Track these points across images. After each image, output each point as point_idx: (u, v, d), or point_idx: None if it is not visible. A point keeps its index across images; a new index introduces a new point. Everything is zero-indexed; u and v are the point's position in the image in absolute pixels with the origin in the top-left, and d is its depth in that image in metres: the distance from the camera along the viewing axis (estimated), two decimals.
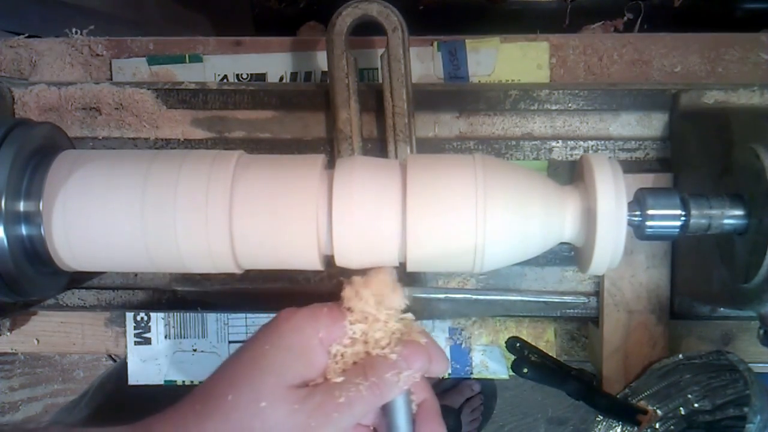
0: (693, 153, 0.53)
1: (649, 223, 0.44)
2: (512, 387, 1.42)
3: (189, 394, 0.37)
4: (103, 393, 0.78)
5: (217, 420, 0.35)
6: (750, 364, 0.52)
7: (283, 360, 0.36)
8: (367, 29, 0.56)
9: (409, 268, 0.43)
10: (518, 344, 0.56)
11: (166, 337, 0.64)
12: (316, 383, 0.37)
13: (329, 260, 0.44)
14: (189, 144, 0.59)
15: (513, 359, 0.56)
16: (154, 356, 0.64)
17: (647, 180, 0.56)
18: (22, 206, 0.44)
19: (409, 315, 0.41)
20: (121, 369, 0.66)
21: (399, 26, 0.53)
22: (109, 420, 0.38)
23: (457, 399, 1.34)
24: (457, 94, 0.58)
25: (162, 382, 0.65)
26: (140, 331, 0.64)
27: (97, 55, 0.64)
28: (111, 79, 0.64)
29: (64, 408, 0.76)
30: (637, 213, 0.44)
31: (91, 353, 0.65)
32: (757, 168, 0.41)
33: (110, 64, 0.64)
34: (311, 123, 0.59)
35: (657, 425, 0.58)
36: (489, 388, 1.38)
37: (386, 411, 0.39)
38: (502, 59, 0.62)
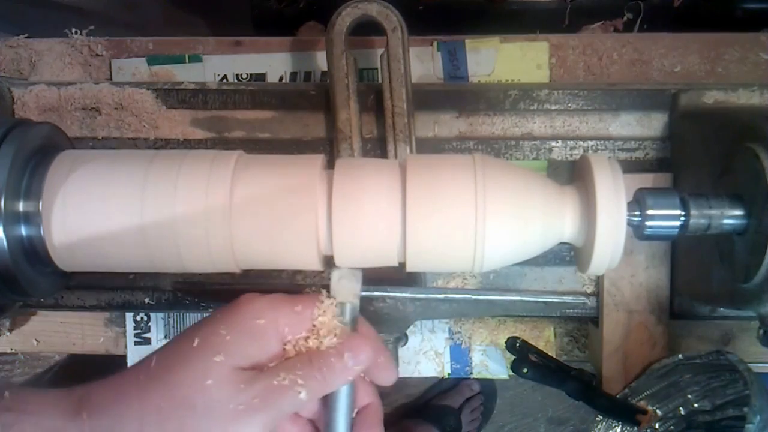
0: (693, 153, 0.53)
1: (648, 223, 0.44)
2: (512, 387, 1.42)
3: (134, 365, 0.38)
4: (67, 372, 0.77)
5: (160, 392, 0.35)
6: (750, 364, 0.52)
7: (236, 341, 0.36)
8: (366, 29, 0.56)
9: (409, 268, 0.43)
10: (518, 344, 0.56)
11: (166, 337, 0.64)
12: (264, 368, 0.37)
13: (329, 260, 0.44)
14: (189, 144, 0.59)
15: (513, 359, 0.56)
16: None
17: (647, 180, 0.56)
18: (21, 206, 0.44)
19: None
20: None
21: (399, 26, 0.53)
22: None
23: (457, 399, 1.34)
24: (456, 94, 0.58)
25: None
26: (140, 331, 0.64)
27: (97, 55, 0.64)
28: (111, 79, 0.64)
29: (23, 382, 0.76)
30: (637, 213, 0.44)
31: (90, 353, 0.65)
32: (756, 168, 0.41)
33: (110, 64, 0.64)
34: (311, 123, 0.59)
35: (657, 425, 0.58)
36: (489, 388, 1.38)
37: (327, 405, 0.39)
38: (502, 59, 0.62)
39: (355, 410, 0.41)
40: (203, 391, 0.35)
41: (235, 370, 0.36)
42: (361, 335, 0.40)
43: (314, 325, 0.39)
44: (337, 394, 0.39)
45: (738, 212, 0.43)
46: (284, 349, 0.38)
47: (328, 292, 0.41)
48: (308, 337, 0.39)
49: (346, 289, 0.41)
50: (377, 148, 0.58)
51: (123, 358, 0.65)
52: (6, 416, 0.34)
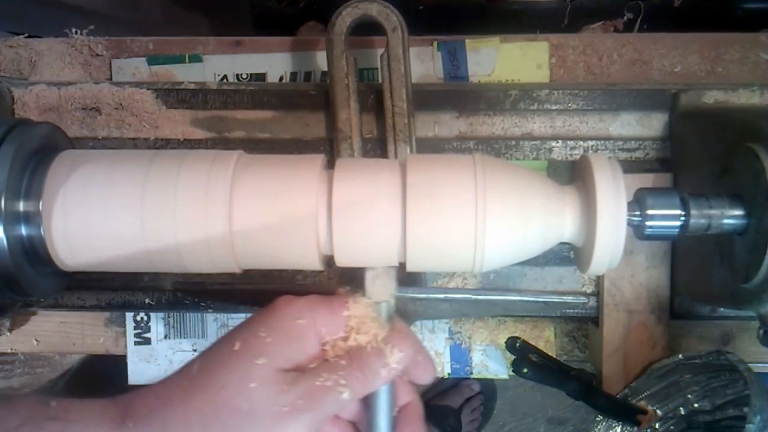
0: (693, 153, 0.53)
1: (648, 223, 0.44)
2: (512, 387, 1.42)
3: (176, 371, 0.38)
4: (81, 379, 0.77)
5: (204, 396, 0.35)
6: (750, 364, 0.52)
7: (276, 343, 0.37)
8: (366, 29, 0.56)
9: (409, 268, 0.43)
10: (518, 344, 0.56)
11: (166, 337, 0.64)
12: (306, 369, 0.37)
13: (329, 260, 0.44)
14: (189, 144, 0.59)
15: (513, 359, 0.56)
16: (154, 356, 0.64)
17: (647, 180, 0.56)
18: (21, 206, 0.44)
19: (405, 317, 0.42)
20: (99, 357, 0.66)
21: (399, 26, 0.53)
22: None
23: (457, 399, 1.34)
24: (456, 94, 0.58)
25: None
26: (140, 331, 0.64)
27: (97, 55, 0.64)
28: (111, 79, 0.64)
29: (39, 388, 0.76)
30: (637, 213, 0.44)
31: (91, 353, 0.65)
32: (756, 168, 0.41)
33: (110, 64, 0.64)
34: (311, 123, 0.59)
35: (657, 425, 0.58)
36: (489, 388, 1.38)
37: (368, 406, 0.39)
38: (502, 59, 0.62)
39: (396, 409, 0.41)
40: (247, 394, 0.35)
41: (278, 372, 0.36)
42: (399, 334, 0.39)
43: (351, 325, 0.39)
44: (378, 394, 0.39)
45: (738, 212, 0.43)
46: (323, 349, 0.38)
47: (363, 291, 0.41)
48: (346, 338, 0.39)
49: (382, 288, 0.41)
50: (377, 148, 0.58)
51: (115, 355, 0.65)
52: (52, 425, 0.34)
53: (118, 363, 0.65)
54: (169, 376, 0.37)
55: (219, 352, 0.37)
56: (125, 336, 0.64)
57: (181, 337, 0.64)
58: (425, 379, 0.41)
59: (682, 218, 0.43)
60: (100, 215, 0.43)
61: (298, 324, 0.38)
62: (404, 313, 0.53)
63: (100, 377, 0.71)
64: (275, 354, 0.36)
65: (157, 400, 0.36)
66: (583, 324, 0.62)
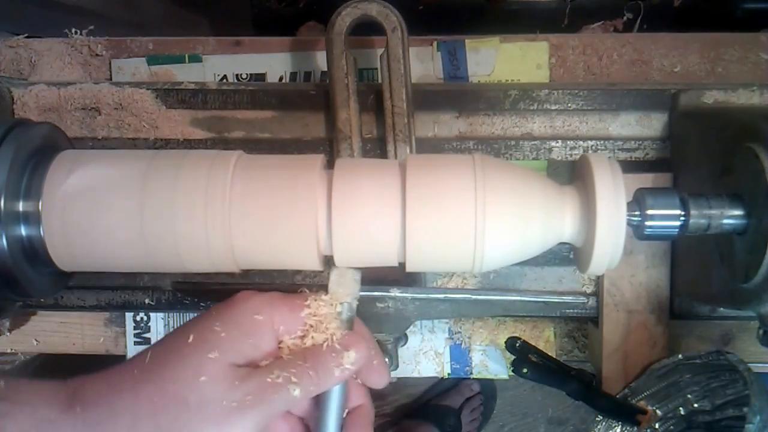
0: (693, 153, 0.53)
1: (648, 223, 0.44)
2: (512, 387, 1.42)
3: (128, 359, 0.38)
4: (54, 360, 0.77)
5: (153, 387, 0.35)
6: (750, 364, 0.52)
7: (231, 338, 0.37)
8: (366, 29, 0.56)
9: (409, 268, 0.43)
10: (518, 344, 0.56)
11: None
12: (259, 366, 0.37)
13: (329, 260, 0.44)
14: (188, 144, 0.59)
15: (513, 359, 0.56)
16: None
17: (647, 180, 0.56)
18: (21, 206, 0.44)
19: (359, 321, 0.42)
20: None
21: (398, 26, 0.53)
22: None
23: (457, 399, 1.34)
24: (456, 94, 0.58)
25: None
26: (140, 331, 0.64)
27: (97, 55, 0.64)
28: (110, 79, 0.64)
29: (12, 369, 0.76)
30: (637, 213, 0.44)
31: (90, 353, 0.65)
32: (756, 168, 0.41)
33: (110, 64, 0.64)
34: (311, 123, 0.59)
35: (657, 425, 0.58)
36: (489, 388, 1.38)
37: (319, 404, 0.39)
38: (502, 59, 0.62)
39: (346, 411, 0.41)
40: (197, 387, 0.35)
41: (230, 366, 0.36)
42: (356, 335, 0.40)
43: (310, 324, 0.39)
44: (330, 393, 0.39)
45: (738, 212, 0.43)
46: (279, 347, 0.38)
47: (326, 291, 0.41)
48: (303, 336, 0.39)
49: (344, 288, 0.41)
50: (377, 148, 0.57)
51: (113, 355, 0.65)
52: (1, 405, 0.34)
53: None
54: (121, 363, 0.37)
55: (172, 344, 0.37)
56: (125, 336, 0.64)
57: None
58: (379, 383, 0.41)
59: (682, 218, 0.43)
60: (99, 215, 0.43)
61: (255, 319, 0.38)
62: (404, 314, 0.53)
63: (70, 363, 0.71)
64: (228, 348, 0.36)
65: (107, 386, 0.36)
66: (583, 324, 0.62)
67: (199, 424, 0.35)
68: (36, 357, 0.79)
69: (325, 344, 0.38)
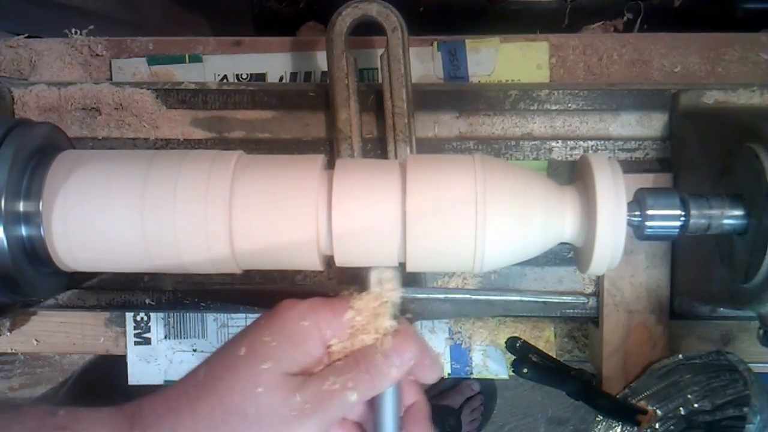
0: (693, 153, 0.53)
1: (648, 223, 0.44)
2: (512, 387, 1.42)
3: (182, 378, 0.38)
4: (84, 383, 0.77)
5: (211, 403, 0.35)
6: (750, 364, 0.52)
7: (282, 348, 0.37)
8: (366, 29, 0.56)
9: (409, 268, 0.43)
10: (518, 344, 0.56)
11: (166, 337, 0.64)
12: (312, 372, 0.37)
13: (329, 260, 0.44)
14: (189, 144, 0.59)
15: (513, 359, 0.56)
16: (154, 356, 0.64)
17: (647, 180, 0.56)
18: (21, 206, 0.44)
19: (406, 317, 0.41)
20: (102, 360, 0.66)
21: (399, 26, 0.53)
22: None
23: (457, 399, 1.34)
24: (456, 94, 0.58)
25: (162, 382, 0.65)
26: (140, 331, 0.64)
27: (97, 55, 0.64)
28: (111, 79, 0.64)
29: (41, 396, 0.76)
30: (637, 213, 0.44)
31: (91, 353, 0.65)
32: (756, 168, 0.41)
33: (110, 64, 0.64)
34: (311, 123, 0.59)
35: (657, 425, 0.58)
36: (489, 388, 1.38)
37: (374, 406, 0.39)
38: (502, 59, 0.62)
39: (403, 409, 0.41)
40: (254, 399, 0.35)
41: (284, 376, 0.36)
42: (405, 333, 0.39)
43: (356, 326, 0.39)
44: (384, 394, 0.39)
45: (738, 212, 0.43)
46: (328, 352, 0.38)
47: (367, 292, 0.41)
48: (351, 339, 0.38)
49: (387, 287, 0.41)
50: (377, 148, 0.58)
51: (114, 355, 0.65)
52: None
53: (118, 367, 0.65)
54: (175, 382, 0.37)
55: (224, 358, 0.37)
56: (125, 336, 0.64)
57: (181, 338, 0.64)
58: (431, 378, 0.41)
59: (682, 218, 0.43)
60: (100, 215, 0.43)
61: (301, 326, 0.37)
62: (404, 313, 0.53)
63: (102, 382, 0.71)
64: (280, 358, 0.36)
65: (165, 406, 0.36)
66: (583, 324, 0.62)
67: None
68: (63, 382, 0.79)
69: (375, 346, 0.38)
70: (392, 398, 0.39)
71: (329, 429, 0.37)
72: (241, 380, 0.35)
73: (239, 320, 0.64)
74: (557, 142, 0.58)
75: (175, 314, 0.64)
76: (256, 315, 0.63)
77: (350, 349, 0.38)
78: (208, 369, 0.37)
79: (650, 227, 0.44)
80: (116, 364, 0.65)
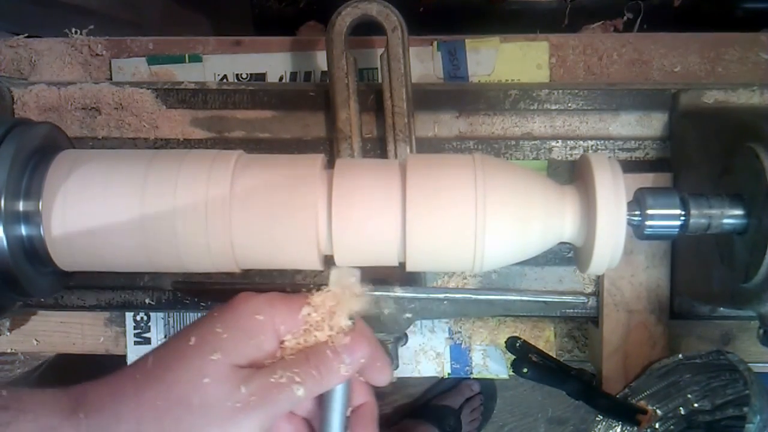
0: (693, 153, 0.53)
1: (648, 223, 0.44)
2: (512, 387, 1.42)
3: (130, 364, 0.38)
4: (54, 371, 0.77)
5: (156, 390, 0.35)
6: (750, 364, 0.52)
7: (233, 340, 0.37)
8: (366, 29, 0.56)
9: (409, 267, 0.43)
10: (518, 344, 0.56)
11: (166, 337, 0.64)
12: (262, 366, 0.37)
13: (329, 260, 0.44)
14: (188, 144, 0.59)
15: (513, 359, 0.56)
16: None
17: (647, 180, 0.56)
18: (21, 206, 0.44)
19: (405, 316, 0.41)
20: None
21: (399, 26, 0.53)
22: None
23: (457, 399, 1.34)
24: (456, 94, 0.58)
25: None
26: (140, 331, 0.64)
27: (97, 54, 0.64)
28: (111, 79, 0.64)
29: (11, 380, 0.76)
30: (637, 213, 0.44)
31: (90, 353, 0.65)
32: (756, 168, 0.41)
33: (110, 63, 0.64)
34: (311, 123, 0.59)
35: (657, 425, 0.58)
36: (489, 388, 1.38)
37: (322, 403, 0.39)
38: (502, 59, 0.62)
39: (350, 409, 0.41)
40: (200, 389, 0.35)
41: (232, 368, 0.36)
42: (358, 333, 0.40)
43: (311, 323, 0.39)
44: (333, 392, 0.39)
45: (738, 212, 0.43)
46: (281, 347, 0.38)
47: (325, 290, 0.41)
48: (305, 335, 0.39)
49: (345, 287, 0.41)
50: (377, 148, 0.57)
51: (109, 357, 0.64)
52: (3, 414, 0.34)
53: (90, 357, 0.65)
54: (122, 368, 0.37)
55: (174, 347, 0.37)
56: (125, 336, 0.64)
57: None
58: (381, 381, 0.41)
59: (682, 218, 0.43)
60: (99, 215, 0.43)
61: (256, 320, 0.37)
62: (404, 313, 0.53)
63: (73, 372, 0.71)
64: (230, 350, 0.36)
65: (110, 392, 0.36)
66: (583, 324, 0.62)
67: (203, 425, 0.35)
68: (36, 367, 0.79)
69: (327, 343, 0.38)
70: (341, 396, 0.39)
71: (275, 422, 0.37)
72: (188, 370, 0.35)
73: None
74: (557, 142, 0.58)
75: (175, 314, 0.64)
76: None
77: (303, 345, 0.38)
78: (157, 357, 0.37)
79: (650, 227, 0.44)
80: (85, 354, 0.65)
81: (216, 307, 0.39)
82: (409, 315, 0.52)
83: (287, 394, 0.36)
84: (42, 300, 0.60)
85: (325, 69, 0.59)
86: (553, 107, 0.58)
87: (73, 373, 0.69)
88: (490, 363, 0.63)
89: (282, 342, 0.38)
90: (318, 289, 0.41)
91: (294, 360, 0.37)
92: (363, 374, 0.41)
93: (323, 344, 0.38)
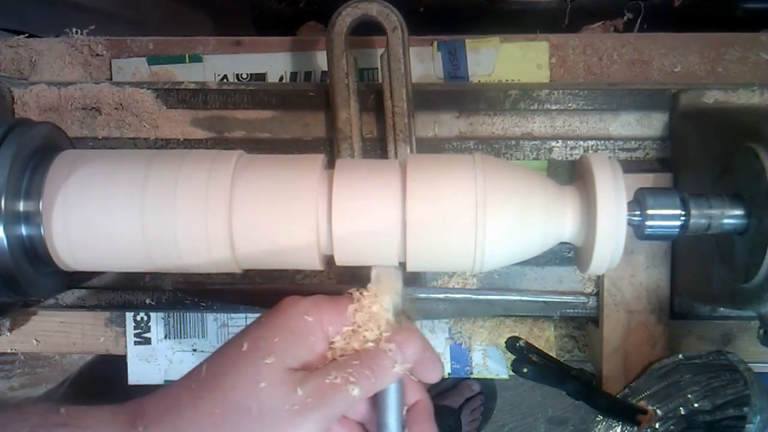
0: (693, 153, 0.53)
1: (648, 223, 0.44)
2: (512, 387, 1.42)
3: (184, 375, 0.38)
4: (82, 383, 0.77)
5: (213, 399, 0.35)
6: (750, 364, 0.52)
7: (284, 343, 0.37)
8: (367, 29, 0.56)
9: (409, 267, 0.43)
10: (518, 344, 0.56)
11: (166, 337, 0.64)
12: (314, 368, 0.37)
13: (329, 260, 0.44)
14: (189, 144, 0.59)
15: (513, 359, 0.56)
16: (154, 356, 0.64)
17: (647, 180, 0.56)
18: (21, 206, 0.44)
19: (408, 317, 0.41)
20: (99, 360, 0.66)
21: (399, 26, 0.53)
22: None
23: (457, 399, 1.34)
24: (457, 94, 0.58)
25: (162, 382, 0.65)
26: (140, 331, 0.64)
27: (97, 54, 0.64)
28: (111, 79, 0.64)
29: (41, 396, 0.77)
30: (637, 213, 0.44)
31: (91, 353, 0.65)
32: (757, 168, 0.41)
33: (110, 63, 0.64)
34: (311, 123, 0.59)
35: (657, 425, 0.58)
36: (489, 388, 1.38)
37: (377, 405, 0.39)
38: (502, 59, 0.62)
39: (405, 408, 0.41)
40: (256, 394, 0.35)
41: (287, 371, 0.36)
42: (407, 330, 0.39)
43: (359, 323, 0.39)
44: (387, 392, 0.39)
45: (738, 212, 0.43)
46: (331, 348, 0.38)
47: (369, 290, 0.41)
48: (354, 336, 0.39)
49: (388, 285, 0.41)
50: (377, 148, 0.58)
51: (127, 368, 0.65)
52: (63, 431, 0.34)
53: (118, 366, 0.65)
54: (178, 380, 0.37)
55: (227, 354, 0.37)
56: (125, 336, 0.64)
57: (181, 337, 0.64)
58: (433, 377, 0.41)
59: (682, 218, 0.43)
60: (100, 215, 0.43)
61: (305, 322, 0.38)
62: (404, 313, 0.53)
63: (101, 381, 0.71)
64: (283, 353, 0.36)
65: (166, 403, 0.36)
66: (583, 324, 0.62)
67: (262, 429, 0.35)
68: (60, 384, 0.79)
69: (378, 342, 0.38)
70: (395, 396, 0.39)
71: (331, 425, 0.37)
72: (243, 376, 0.35)
73: (239, 320, 0.64)
74: (557, 142, 0.58)
75: (175, 314, 0.64)
76: (257, 314, 0.64)
77: (353, 345, 0.38)
78: (210, 366, 0.37)
79: (650, 227, 0.44)
80: (116, 364, 0.65)
81: (264, 313, 0.39)
82: (409, 315, 0.52)
83: (343, 395, 0.36)
84: (42, 300, 0.60)
85: (325, 69, 0.59)
86: (553, 107, 0.58)
87: (102, 382, 0.69)
88: (490, 363, 0.63)
89: (332, 343, 0.38)
90: (361, 290, 0.41)
91: (346, 360, 0.37)
92: (414, 372, 0.41)
93: (374, 343, 0.38)
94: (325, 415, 0.35)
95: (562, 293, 0.59)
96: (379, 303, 0.40)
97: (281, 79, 0.64)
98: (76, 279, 0.58)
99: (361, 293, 0.40)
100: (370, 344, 0.38)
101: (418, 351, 0.39)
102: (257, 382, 0.35)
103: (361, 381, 0.36)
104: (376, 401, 0.39)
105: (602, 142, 0.58)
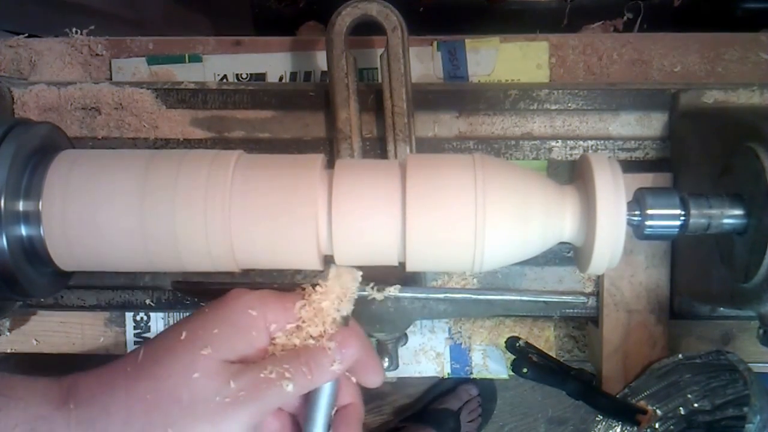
0: (693, 153, 0.53)
1: (648, 223, 0.44)
2: (512, 387, 1.42)
3: (121, 357, 0.38)
4: (46, 360, 0.77)
5: (146, 384, 0.35)
6: (750, 364, 0.52)
7: (223, 335, 0.37)
8: (366, 29, 0.56)
9: (409, 267, 0.43)
10: (518, 344, 0.56)
11: None
12: (252, 362, 0.37)
13: (329, 260, 0.44)
14: (188, 144, 0.59)
15: (513, 359, 0.56)
16: None
17: (647, 180, 0.56)
18: (21, 206, 0.44)
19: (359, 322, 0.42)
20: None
21: (398, 26, 0.53)
22: None
23: (455, 403, 1.34)
24: (456, 94, 0.58)
25: None
26: (140, 331, 0.64)
27: (97, 54, 0.64)
28: (110, 79, 0.64)
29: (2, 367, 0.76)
30: (637, 213, 0.44)
31: (90, 353, 0.65)
32: (756, 168, 0.41)
33: (110, 63, 0.64)
34: (311, 123, 0.59)
35: (657, 425, 0.58)
36: (488, 389, 1.38)
37: (309, 400, 0.39)
38: (502, 59, 0.62)
39: (335, 408, 0.41)
40: (190, 384, 0.35)
41: (222, 363, 0.36)
42: (349, 331, 0.39)
43: (304, 319, 0.39)
44: (320, 390, 0.39)
45: (738, 212, 0.43)
46: (272, 343, 0.38)
47: (321, 287, 0.40)
48: (297, 332, 0.39)
49: (340, 286, 0.41)
50: (377, 147, 0.57)
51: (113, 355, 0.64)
52: None
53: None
54: (113, 361, 0.37)
55: (165, 341, 0.37)
56: (125, 336, 0.64)
57: None
58: (372, 381, 0.41)
59: (682, 218, 0.43)
60: (99, 215, 0.43)
61: (247, 316, 0.37)
62: (404, 313, 0.53)
63: (65, 359, 0.71)
64: (221, 345, 0.36)
65: (100, 384, 0.36)
66: (583, 324, 0.62)
67: (192, 420, 0.35)
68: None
69: (318, 340, 0.38)
70: (328, 395, 0.39)
71: (263, 418, 0.37)
72: (177, 364, 0.35)
73: None
74: (557, 142, 0.58)
75: (175, 314, 0.64)
76: None
77: (294, 341, 0.38)
78: (148, 351, 0.37)
79: (650, 227, 0.44)
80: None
81: (208, 303, 0.39)
82: (409, 315, 0.52)
83: (276, 390, 0.36)
84: (42, 300, 0.60)
85: (325, 69, 0.59)
86: (553, 107, 0.58)
87: (63, 363, 0.68)
88: (490, 363, 0.63)
89: (273, 339, 0.38)
90: (314, 286, 0.40)
91: (284, 356, 0.37)
92: (354, 374, 0.41)
93: (315, 340, 0.38)
94: (257, 408, 0.35)
95: (562, 293, 0.59)
96: (329, 300, 0.39)
97: (281, 79, 0.64)
98: (76, 279, 0.57)
99: (313, 288, 0.40)
100: (311, 341, 0.38)
101: (358, 352, 0.39)
102: (191, 372, 0.35)
103: (296, 377, 0.36)
104: (308, 397, 0.39)
105: (602, 141, 0.58)
